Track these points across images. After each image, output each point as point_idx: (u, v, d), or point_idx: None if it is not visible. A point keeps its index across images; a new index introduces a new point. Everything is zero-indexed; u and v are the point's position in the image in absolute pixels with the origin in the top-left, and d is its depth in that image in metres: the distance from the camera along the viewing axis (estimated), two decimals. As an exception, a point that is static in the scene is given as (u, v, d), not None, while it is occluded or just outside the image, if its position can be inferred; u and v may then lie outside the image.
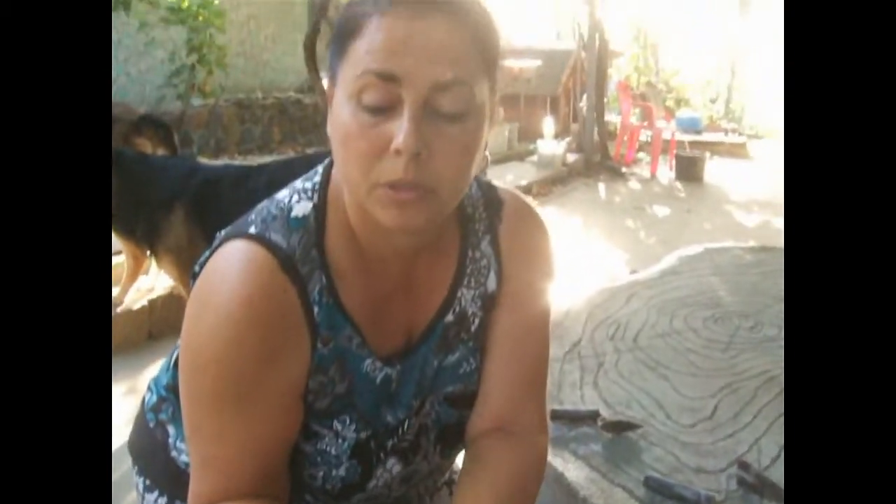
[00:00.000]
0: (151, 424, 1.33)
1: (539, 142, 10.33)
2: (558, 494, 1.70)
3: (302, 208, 1.09)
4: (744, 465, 1.67)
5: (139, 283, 4.36)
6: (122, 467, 1.37)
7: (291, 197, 1.11)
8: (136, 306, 4.21)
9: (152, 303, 4.25)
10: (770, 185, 9.96)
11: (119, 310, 4.15)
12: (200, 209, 3.37)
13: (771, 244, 3.83)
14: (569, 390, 2.12)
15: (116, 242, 4.09)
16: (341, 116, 0.98)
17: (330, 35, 1.07)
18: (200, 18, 7.78)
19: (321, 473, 1.14)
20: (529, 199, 1.29)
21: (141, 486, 1.35)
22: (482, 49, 0.99)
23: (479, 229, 1.21)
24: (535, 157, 10.27)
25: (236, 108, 9.11)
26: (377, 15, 0.95)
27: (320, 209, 1.09)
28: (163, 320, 4.27)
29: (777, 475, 1.66)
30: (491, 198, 1.24)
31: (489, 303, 1.21)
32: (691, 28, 17.75)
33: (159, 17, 7.56)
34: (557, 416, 1.94)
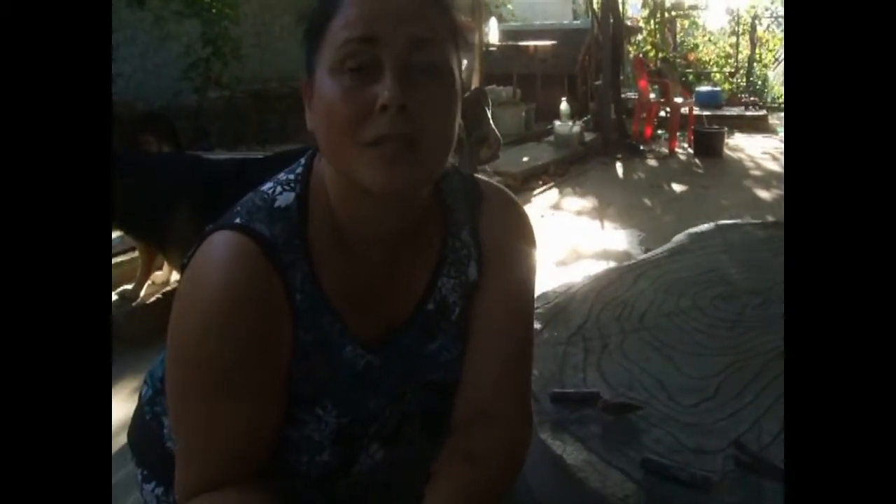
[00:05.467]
0: (147, 417, 1.36)
1: (555, 122, 10.27)
2: (556, 477, 1.71)
3: (285, 199, 1.12)
4: (740, 446, 1.66)
5: (154, 277, 4.39)
6: (130, 465, 1.40)
7: (275, 188, 1.14)
8: (151, 300, 4.25)
9: (167, 296, 4.27)
10: (790, 158, 9.85)
11: (134, 304, 4.19)
12: (204, 203, 3.39)
13: (787, 219, 3.78)
14: (571, 373, 2.12)
15: (129, 239, 4.15)
16: (324, 91, 1.01)
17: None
18: (214, 11, 7.82)
19: (305, 459, 1.16)
20: (510, 192, 1.31)
21: (139, 477, 1.38)
22: (446, 16, 1.06)
23: (459, 219, 1.23)
24: (552, 137, 10.22)
25: (253, 100, 9.11)
26: None
27: (303, 199, 1.12)
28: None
29: (777, 453, 1.65)
30: (471, 189, 1.26)
31: (470, 291, 1.22)
32: (707, 0, 17.59)
33: (173, 11, 7.59)
34: (558, 398, 1.94)
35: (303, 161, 1.17)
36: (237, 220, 1.09)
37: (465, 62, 1.10)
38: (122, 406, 3.47)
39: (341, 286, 1.12)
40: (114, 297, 4.25)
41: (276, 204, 1.11)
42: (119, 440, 3.09)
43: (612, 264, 3.65)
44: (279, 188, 1.13)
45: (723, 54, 17.61)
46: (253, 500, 1.07)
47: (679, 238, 3.44)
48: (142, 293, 4.26)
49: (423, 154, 1.01)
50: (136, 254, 4.36)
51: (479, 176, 1.31)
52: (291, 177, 1.15)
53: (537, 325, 2.39)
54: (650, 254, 3.34)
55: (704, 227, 3.57)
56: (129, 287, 4.26)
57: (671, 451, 1.72)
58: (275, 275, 1.06)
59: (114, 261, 4.60)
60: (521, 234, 1.27)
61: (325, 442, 1.15)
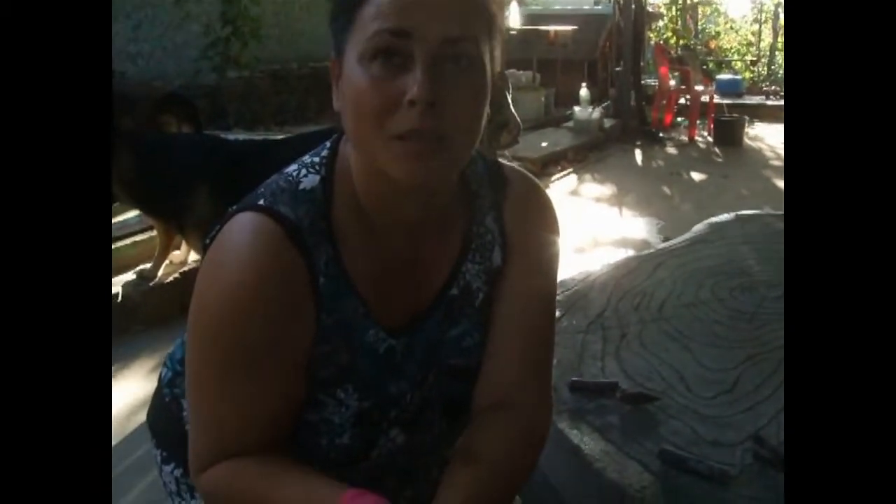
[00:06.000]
0: (167, 399, 1.36)
1: (575, 108, 10.23)
2: (573, 467, 1.71)
3: (310, 181, 1.11)
4: (759, 440, 1.66)
5: (172, 257, 4.41)
6: (148, 444, 1.41)
7: (300, 171, 1.13)
8: (169, 280, 4.27)
9: (185, 276, 4.28)
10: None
11: (152, 284, 4.21)
12: (225, 185, 3.40)
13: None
14: (590, 361, 2.11)
15: (148, 218, 4.16)
16: (353, 79, 1.00)
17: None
18: (234, -10, 7.82)
19: (324, 442, 1.16)
20: (535, 178, 1.31)
21: (159, 458, 1.39)
22: (483, 12, 1.03)
23: (484, 205, 1.22)
24: (571, 123, 10.18)
25: (272, 80, 9.11)
26: None
27: (328, 182, 1.12)
28: (195, 294, 4.32)
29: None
30: (496, 175, 1.25)
31: (494, 277, 1.22)
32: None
33: (193, -9, 7.61)
34: (576, 387, 1.94)
35: (328, 144, 1.17)
36: (261, 202, 1.08)
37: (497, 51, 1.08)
38: (140, 385, 3.50)
39: (365, 270, 1.12)
40: (132, 276, 4.27)
41: (301, 186, 1.10)
42: (137, 419, 3.14)
43: (631, 252, 3.64)
44: (304, 171, 1.13)
45: (744, 42, 17.50)
46: (270, 464, 1.08)
47: (699, 228, 3.42)
48: (160, 273, 4.28)
49: (450, 149, 1.01)
50: (154, 233, 4.37)
51: (504, 161, 1.30)
52: (317, 160, 1.15)
53: (556, 313, 2.39)
54: (669, 243, 3.32)
55: (724, 217, 3.55)
56: (147, 266, 4.27)
57: (689, 442, 1.71)
58: (298, 257, 1.06)
59: (132, 240, 4.63)
60: (545, 220, 1.26)
61: (346, 425, 1.15)
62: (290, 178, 1.12)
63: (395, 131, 0.98)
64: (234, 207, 1.10)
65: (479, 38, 1.02)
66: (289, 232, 1.05)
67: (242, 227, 1.07)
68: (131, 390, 3.47)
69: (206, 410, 1.10)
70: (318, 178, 1.12)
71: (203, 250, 1.12)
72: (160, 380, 1.41)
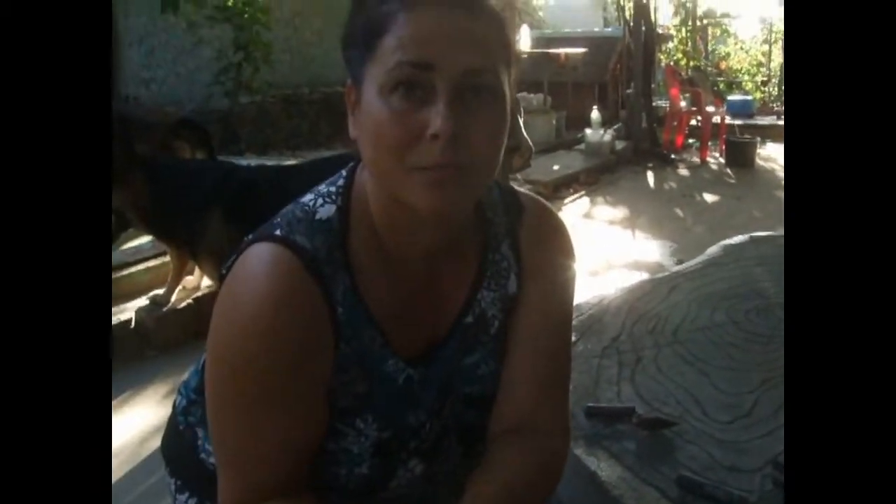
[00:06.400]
0: (181, 427, 1.36)
1: (587, 130, 10.24)
2: (591, 493, 1.69)
3: (326, 211, 1.11)
4: (778, 465, 1.64)
5: (185, 282, 4.43)
6: (160, 471, 1.40)
7: (316, 200, 1.13)
8: (182, 305, 4.28)
9: (198, 302, 4.29)
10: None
11: (165, 309, 4.22)
12: (238, 211, 3.41)
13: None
14: (605, 386, 2.10)
15: (161, 244, 4.17)
16: (372, 111, 0.99)
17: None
18: (246, 16, 7.91)
19: (343, 472, 1.15)
20: (549, 205, 1.30)
21: (173, 487, 1.38)
22: (501, 41, 1.03)
23: (499, 232, 1.22)
24: (582, 146, 10.19)
25: (283, 104, 9.16)
26: (403, 11, 0.98)
27: (344, 212, 1.11)
28: (209, 319, 4.31)
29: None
30: (511, 202, 1.25)
31: (509, 305, 1.21)
32: (740, 9, 17.49)
33: (206, 17, 7.66)
34: (592, 413, 1.92)
35: (344, 173, 1.17)
36: (277, 233, 1.08)
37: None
38: (153, 411, 3.50)
39: (382, 299, 1.11)
40: (145, 301, 4.28)
41: (318, 216, 1.10)
42: (150, 445, 3.13)
43: (645, 275, 3.62)
44: (320, 200, 1.13)
45: (755, 63, 17.47)
46: None
47: (712, 250, 3.40)
48: (173, 298, 4.29)
49: (471, 178, 1.01)
50: (167, 258, 4.39)
51: (520, 188, 1.30)
52: (333, 189, 1.14)
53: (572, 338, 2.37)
54: (683, 266, 3.31)
55: (738, 239, 3.53)
56: (160, 292, 4.29)
57: (706, 468, 1.70)
58: (316, 287, 1.05)
59: (145, 266, 4.64)
60: (561, 247, 1.26)
61: (365, 455, 1.14)
62: (307, 207, 1.11)
63: (417, 164, 0.97)
64: (250, 237, 1.10)
65: (498, 68, 1.01)
66: (306, 262, 1.05)
67: (259, 257, 1.06)
68: (144, 416, 3.47)
69: (229, 448, 1.09)
70: (334, 207, 1.11)
71: (219, 280, 1.12)
72: (174, 407, 1.40)
